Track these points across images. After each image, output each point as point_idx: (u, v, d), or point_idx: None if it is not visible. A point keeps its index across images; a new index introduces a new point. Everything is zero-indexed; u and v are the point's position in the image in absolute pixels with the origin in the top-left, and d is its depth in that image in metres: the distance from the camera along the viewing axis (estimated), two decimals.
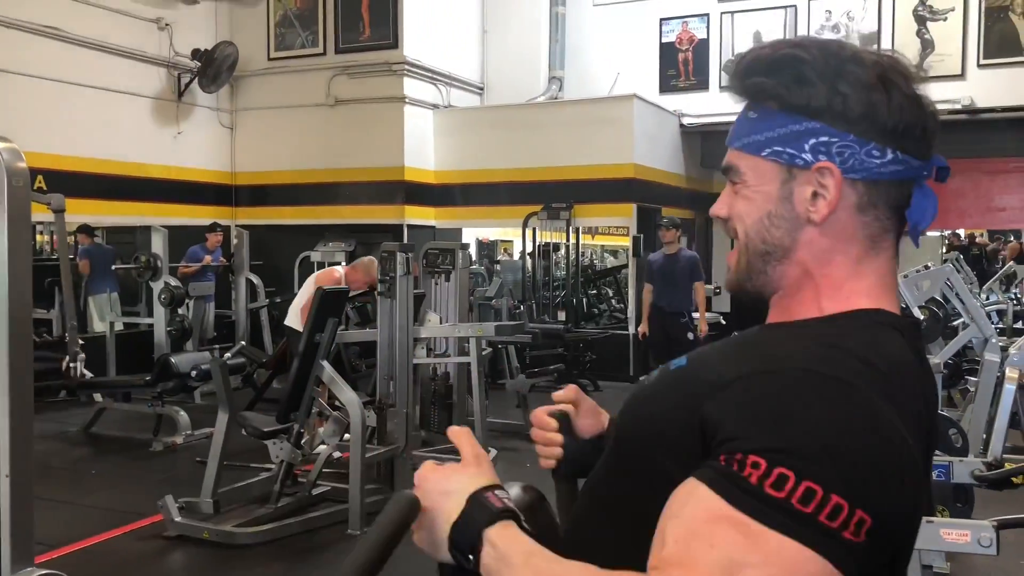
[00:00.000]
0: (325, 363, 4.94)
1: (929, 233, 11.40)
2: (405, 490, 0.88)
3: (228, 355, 6.51)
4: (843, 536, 0.71)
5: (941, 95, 10.08)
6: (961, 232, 15.73)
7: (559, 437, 1.15)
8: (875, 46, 9.08)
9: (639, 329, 8.14)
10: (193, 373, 6.53)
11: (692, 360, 0.97)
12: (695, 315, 7.83)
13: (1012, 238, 16.01)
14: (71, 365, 4.93)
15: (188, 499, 4.89)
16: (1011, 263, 13.40)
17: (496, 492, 0.87)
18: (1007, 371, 6.23)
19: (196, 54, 10.08)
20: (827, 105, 0.89)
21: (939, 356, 6.61)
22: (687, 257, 7.89)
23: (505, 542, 0.82)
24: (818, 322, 0.90)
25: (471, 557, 0.83)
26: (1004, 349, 6.43)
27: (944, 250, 11.98)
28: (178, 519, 4.71)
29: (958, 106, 9.96)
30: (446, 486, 0.87)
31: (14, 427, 3.10)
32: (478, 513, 0.84)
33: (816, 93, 0.89)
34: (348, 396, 4.86)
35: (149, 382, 6.84)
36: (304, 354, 4.95)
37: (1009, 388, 6.19)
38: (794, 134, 0.90)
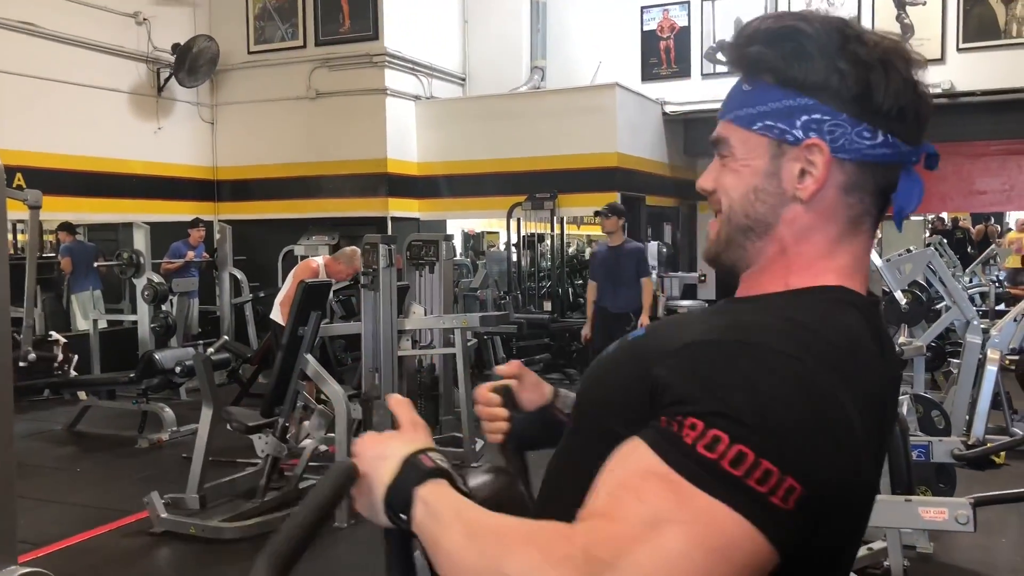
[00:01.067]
0: (309, 356, 4.92)
1: (912, 217, 11.48)
2: (343, 458, 0.89)
3: (211, 350, 6.48)
4: (770, 501, 0.71)
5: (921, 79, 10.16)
6: (945, 216, 15.82)
7: (504, 411, 1.17)
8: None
9: (582, 333, 7.31)
10: (177, 369, 6.50)
11: (650, 331, 0.98)
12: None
13: (992, 220, 16.15)
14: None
15: (174, 495, 4.88)
16: (993, 246, 13.53)
17: (429, 454, 0.88)
18: (988, 353, 6.31)
19: (175, 49, 10.01)
20: (823, 82, 0.88)
21: (922, 339, 6.67)
22: (632, 249, 6.99)
23: (435, 499, 0.83)
24: (780, 296, 0.90)
25: (404, 516, 0.85)
26: (986, 331, 6.48)
27: (927, 234, 12.04)
28: (164, 515, 4.69)
29: (938, 90, 10.00)
30: (383, 451, 0.89)
31: None
32: (411, 474, 0.86)
33: (814, 68, 0.89)
34: (333, 389, 4.86)
35: (133, 379, 6.80)
36: (287, 348, 4.94)
37: (991, 369, 6.27)
38: (787, 109, 0.90)
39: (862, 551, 2.71)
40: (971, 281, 11.86)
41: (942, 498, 2.17)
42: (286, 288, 6.60)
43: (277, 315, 6.59)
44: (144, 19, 9.99)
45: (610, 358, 0.98)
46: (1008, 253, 12.83)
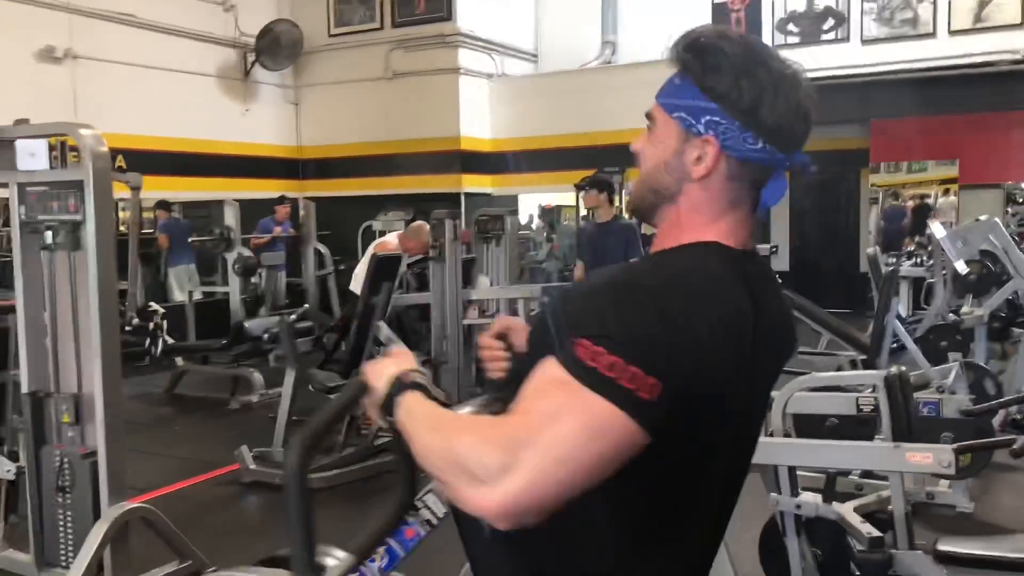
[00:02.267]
0: (382, 324, 5.32)
1: (988, 189, 11.27)
2: (355, 378, 1.24)
3: (293, 317, 6.95)
4: (638, 395, 0.98)
5: (999, 45, 9.96)
6: None
7: (503, 353, 1.48)
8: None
9: None
10: (265, 336, 7.00)
11: (570, 287, 1.27)
12: None
13: None
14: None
15: (262, 449, 5.36)
16: None
17: (411, 374, 1.20)
18: None
19: (259, 34, 10.55)
20: (726, 93, 1.14)
21: (983, 308, 6.69)
22: (622, 227, 6.30)
23: (411, 403, 1.16)
24: (671, 250, 1.18)
25: (391, 418, 1.18)
26: None
27: (1008, 204, 11.79)
28: (253, 467, 5.18)
29: (1018, 56, 9.82)
30: (380, 372, 1.22)
31: (106, 383, 3.54)
32: (395, 387, 1.19)
33: (722, 81, 1.14)
34: None
35: (225, 346, 7.35)
36: (362, 316, 5.34)
37: None
38: (698, 108, 1.15)
39: (871, 497, 2.94)
40: None
41: (928, 444, 2.38)
42: (363, 263, 7.02)
43: (355, 286, 7.02)
44: (231, 5, 10.54)
45: (546, 308, 1.27)
46: None
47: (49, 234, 3.61)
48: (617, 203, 6.19)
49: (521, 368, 1.47)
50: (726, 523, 1.28)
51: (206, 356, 7.79)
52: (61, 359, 3.74)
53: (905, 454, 2.33)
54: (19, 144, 3.63)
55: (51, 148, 3.60)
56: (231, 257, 8.92)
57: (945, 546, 2.59)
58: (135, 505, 3.67)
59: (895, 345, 6.04)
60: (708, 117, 1.14)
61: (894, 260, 9.76)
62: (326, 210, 10.58)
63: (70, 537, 3.70)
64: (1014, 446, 2.34)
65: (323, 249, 10.26)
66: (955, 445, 2.32)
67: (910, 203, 12.29)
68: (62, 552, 3.74)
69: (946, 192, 12.13)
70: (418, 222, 6.90)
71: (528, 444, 0.98)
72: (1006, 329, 7.69)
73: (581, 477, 0.99)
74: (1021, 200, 14.41)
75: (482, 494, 0.99)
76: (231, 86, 10.71)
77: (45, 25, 8.58)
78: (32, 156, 3.59)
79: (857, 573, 2.85)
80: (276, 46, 10.62)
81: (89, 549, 3.44)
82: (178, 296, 10.27)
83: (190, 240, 10.22)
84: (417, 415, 1.15)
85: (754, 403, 1.22)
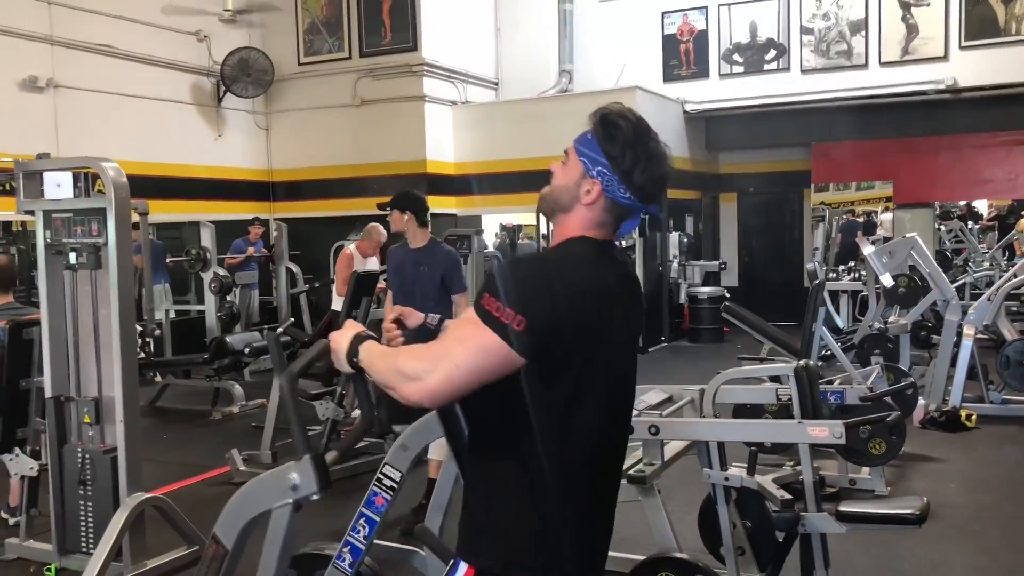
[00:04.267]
0: None
1: (919, 207, 12.04)
2: (322, 340, 1.82)
3: (280, 330, 7.40)
4: (513, 328, 1.51)
5: (927, 76, 10.77)
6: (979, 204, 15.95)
7: (399, 330, 2.14)
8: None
9: None
10: (246, 350, 7.44)
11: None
12: None
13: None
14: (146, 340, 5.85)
15: (250, 452, 5.82)
16: (1013, 233, 14.00)
17: (364, 333, 1.77)
18: (964, 328, 7.01)
19: (225, 62, 11.00)
20: (615, 155, 1.69)
21: (906, 318, 7.36)
22: (443, 256, 5.10)
23: (368, 346, 1.73)
24: (560, 243, 1.73)
25: (355, 360, 1.72)
26: (965, 311, 7.16)
27: (937, 221, 12.60)
28: (243, 468, 5.64)
29: (942, 86, 10.63)
30: (343, 335, 1.77)
31: (125, 386, 4.01)
32: (357, 338, 1.75)
33: (614, 147, 1.69)
34: None
35: (206, 360, 7.77)
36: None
37: (966, 343, 6.98)
38: (595, 159, 1.70)
39: (787, 471, 3.52)
40: (990, 267, 12.42)
41: (824, 420, 2.94)
42: (338, 279, 7.52)
43: (336, 304, 7.51)
44: (204, 36, 10.98)
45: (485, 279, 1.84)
46: None
47: (73, 255, 4.07)
48: (428, 225, 5.10)
49: (411, 340, 2.09)
50: (618, 466, 1.80)
51: (188, 370, 8.20)
52: (82, 367, 4.19)
53: (807, 428, 2.90)
54: (46, 176, 4.10)
55: (75, 179, 4.07)
56: (207, 276, 9.32)
57: (845, 507, 3.16)
58: (151, 495, 4.13)
59: (827, 353, 6.66)
60: (600, 168, 1.70)
61: (835, 274, 10.49)
62: (297, 231, 11.04)
63: (91, 525, 4.15)
64: (888, 419, 2.91)
65: (295, 268, 10.72)
66: (844, 421, 2.89)
67: (862, 218, 13.08)
68: (82, 539, 4.19)
69: (886, 210, 12.95)
70: (371, 224, 7.37)
71: (444, 356, 1.56)
72: (929, 337, 8.39)
73: (475, 378, 1.54)
74: (953, 217, 15.30)
75: (415, 387, 1.55)
76: (205, 113, 11.15)
77: (28, 56, 8.96)
78: (58, 187, 4.06)
79: (778, 537, 3.41)
80: (244, 68, 11.05)
81: (112, 533, 3.90)
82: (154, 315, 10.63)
83: (167, 260, 10.59)
84: (374, 352, 1.72)
85: (615, 347, 1.72)
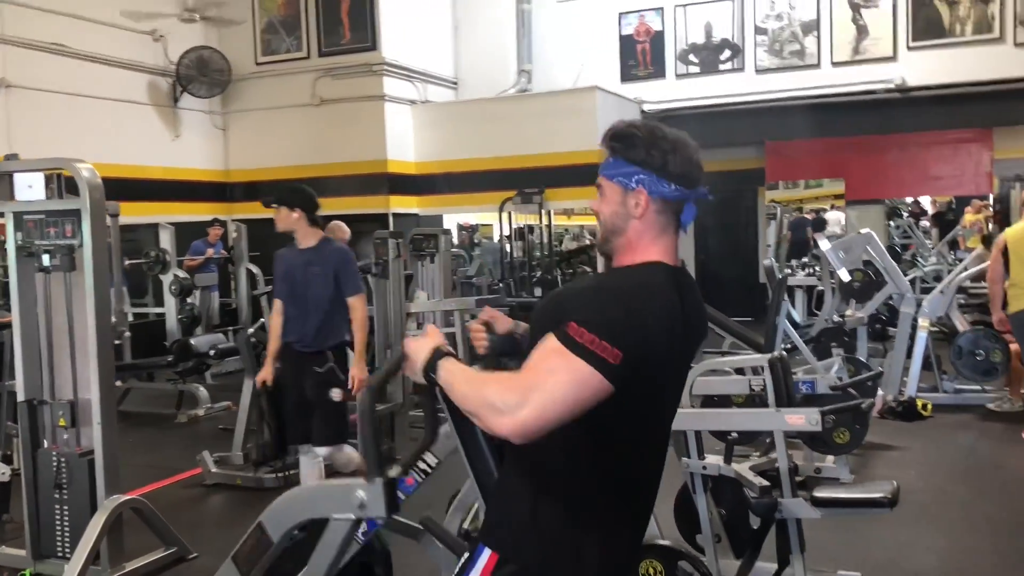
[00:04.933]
0: None
1: (871, 204, 12.36)
2: (400, 349, 1.80)
3: (251, 331, 7.35)
4: (606, 360, 1.50)
5: (876, 76, 11.05)
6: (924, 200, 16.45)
7: (486, 335, 2.06)
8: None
9: (256, 378, 4.97)
10: (211, 352, 7.38)
11: (562, 289, 1.86)
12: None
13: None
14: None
15: (221, 454, 5.79)
16: (958, 228, 14.43)
17: (444, 346, 1.74)
18: (919, 320, 7.23)
19: (180, 61, 10.88)
20: (644, 159, 1.70)
21: (863, 311, 7.57)
22: (331, 253, 4.65)
23: (450, 365, 1.68)
24: (627, 267, 1.74)
25: (433, 375, 1.69)
26: (919, 304, 7.38)
27: (887, 217, 12.93)
28: (214, 470, 5.62)
29: (891, 85, 10.91)
30: (421, 346, 1.75)
31: (102, 388, 3.98)
32: (436, 355, 1.71)
33: (639, 153, 1.71)
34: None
35: (170, 363, 7.70)
36: None
37: (921, 335, 7.20)
38: (628, 172, 1.72)
39: (763, 459, 3.62)
40: (937, 262, 12.80)
41: (802, 408, 3.05)
42: None
43: None
44: (160, 36, 10.84)
45: (543, 305, 1.81)
46: (971, 234, 13.70)
47: (46, 257, 4.03)
48: (319, 221, 4.68)
49: (497, 346, 2.07)
50: (659, 478, 1.84)
51: (151, 373, 8.11)
52: (56, 369, 4.15)
53: (784, 416, 3.01)
54: (17, 177, 4.06)
55: (48, 180, 4.03)
56: (167, 279, 9.21)
57: (819, 493, 3.27)
58: (129, 497, 4.11)
59: (788, 347, 6.82)
60: (636, 176, 1.71)
61: (789, 270, 10.73)
62: (257, 232, 10.89)
63: (66, 529, 4.11)
64: (862, 405, 3.03)
65: (255, 269, 10.61)
66: (820, 408, 3.00)
67: (810, 215, 13.37)
68: (58, 543, 4.15)
69: (833, 207, 13.27)
70: (333, 222, 7.30)
71: (535, 388, 1.53)
72: (884, 329, 8.64)
73: (567, 411, 1.54)
74: (903, 215, 15.72)
75: (504, 421, 1.53)
76: (161, 113, 11.01)
77: None
78: (30, 188, 4.02)
79: (753, 524, 3.51)
80: (201, 68, 10.94)
81: (91, 536, 3.88)
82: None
83: (126, 263, 10.43)
84: (456, 373, 1.67)
85: (680, 370, 1.81)
